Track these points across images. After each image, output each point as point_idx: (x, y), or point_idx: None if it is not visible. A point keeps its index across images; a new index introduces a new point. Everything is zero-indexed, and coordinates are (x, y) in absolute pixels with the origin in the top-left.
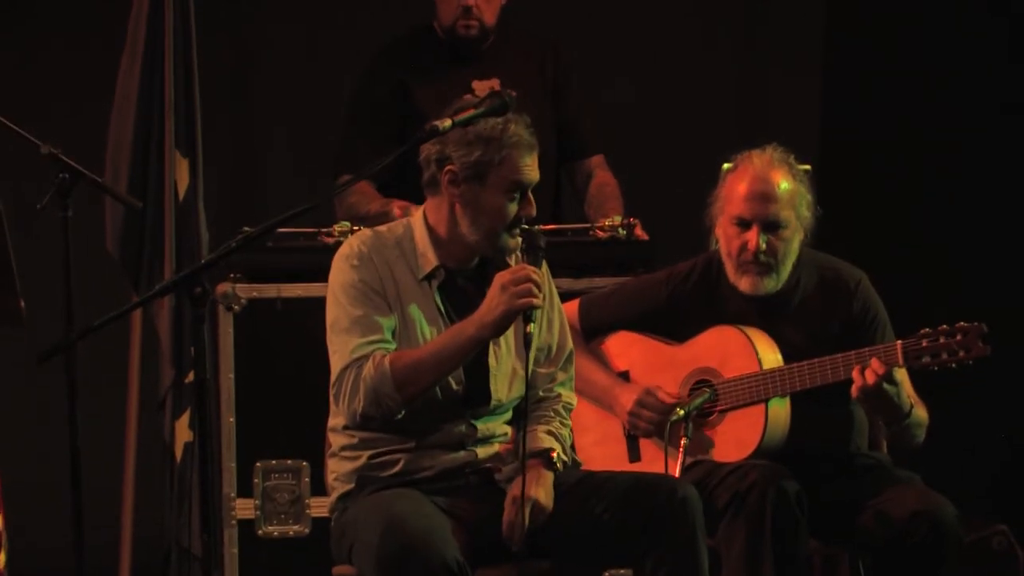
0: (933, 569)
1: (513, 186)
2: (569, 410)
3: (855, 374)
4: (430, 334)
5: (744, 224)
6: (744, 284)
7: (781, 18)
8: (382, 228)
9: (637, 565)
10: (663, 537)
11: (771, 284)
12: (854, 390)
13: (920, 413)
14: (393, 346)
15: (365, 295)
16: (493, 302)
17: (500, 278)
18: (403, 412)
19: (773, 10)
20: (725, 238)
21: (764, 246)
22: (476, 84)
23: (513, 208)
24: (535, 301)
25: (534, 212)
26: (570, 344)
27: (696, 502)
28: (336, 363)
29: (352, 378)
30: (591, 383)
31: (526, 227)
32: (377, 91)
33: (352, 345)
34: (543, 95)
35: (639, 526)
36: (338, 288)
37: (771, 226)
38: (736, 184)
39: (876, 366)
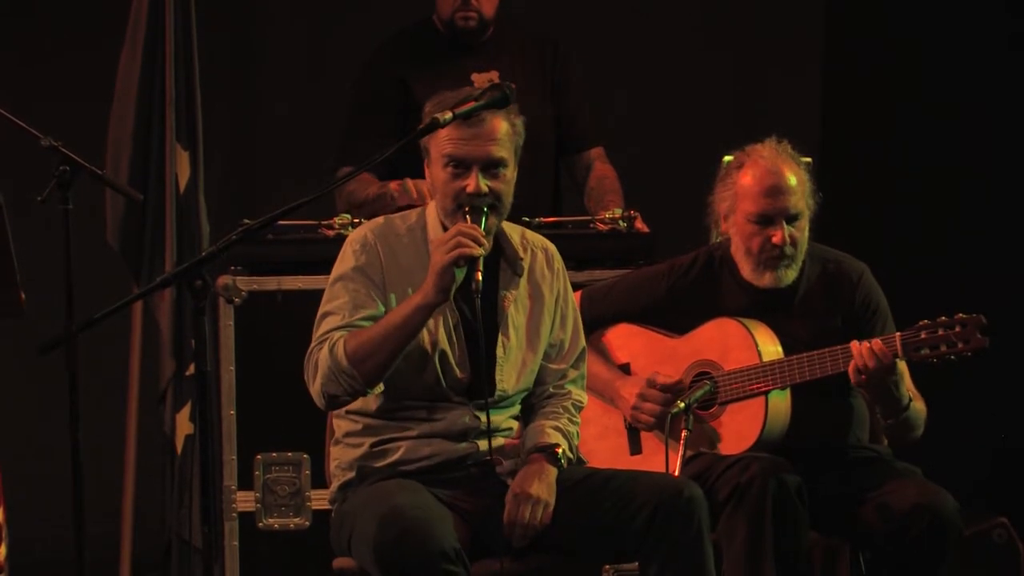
0: (933, 561)
1: (447, 160)
2: (579, 408)
3: (853, 350)
4: (433, 319)
5: (765, 220)
6: (767, 279)
7: (781, 12)
8: (396, 216)
9: (641, 565)
10: (668, 537)
11: (791, 275)
12: (850, 370)
13: (919, 407)
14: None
15: (355, 282)
16: (431, 267)
17: (433, 243)
18: (376, 387)
19: (773, 4)
20: (742, 236)
21: (789, 239)
22: (475, 76)
23: (456, 184)
24: (465, 251)
25: (472, 188)
26: (582, 342)
27: (701, 502)
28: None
29: (313, 361)
30: (592, 376)
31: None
32: (377, 84)
33: (321, 331)
34: (543, 87)
35: (643, 526)
36: (334, 273)
37: (792, 218)
38: (748, 181)
39: (877, 345)
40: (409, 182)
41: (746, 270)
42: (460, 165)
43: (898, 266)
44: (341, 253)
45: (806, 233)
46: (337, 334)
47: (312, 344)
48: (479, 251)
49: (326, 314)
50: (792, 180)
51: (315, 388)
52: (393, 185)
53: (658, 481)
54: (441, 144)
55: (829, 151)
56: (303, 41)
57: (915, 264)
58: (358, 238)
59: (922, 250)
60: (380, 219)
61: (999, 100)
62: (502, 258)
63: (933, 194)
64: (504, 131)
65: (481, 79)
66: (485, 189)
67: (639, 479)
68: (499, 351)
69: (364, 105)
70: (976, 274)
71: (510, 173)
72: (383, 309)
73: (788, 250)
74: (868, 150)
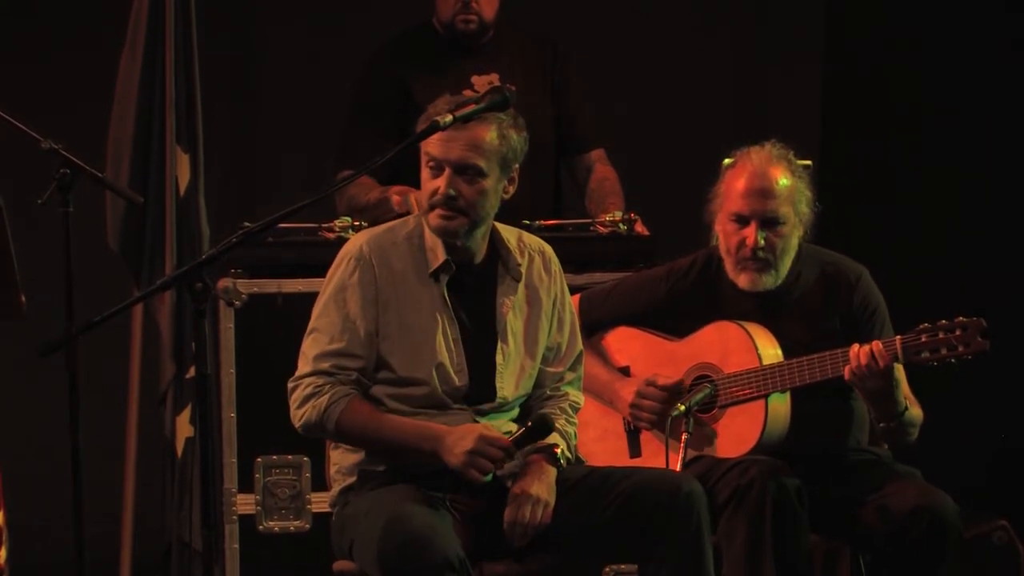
0: (933, 564)
1: (427, 158)
2: (576, 409)
3: (852, 353)
4: (429, 329)
5: (742, 220)
6: (743, 280)
7: (781, 12)
8: (395, 223)
9: (642, 561)
10: (668, 533)
11: (770, 280)
12: (846, 372)
13: (915, 412)
14: (356, 363)
15: (347, 299)
16: (460, 446)
17: (476, 432)
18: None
19: (773, 4)
20: (724, 234)
21: (762, 242)
22: (475, 79)
23: (431, 184)
24: (480, 478)
25: (443, 190)
26: (579, 345)
27: (700, 497)
28: (300, 363)
29: (304, 395)
30: (591, 378)
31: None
32: (377, 87)
33: (315, 352)
34: (543, 89)
35: (643, 522)
36: (328, 286)
37: (769, 222)
38: (734, 181)
39: (877, 348)
40: (412, 196)
41: (729, 270)
42: (437, 166)
43: (898, 266)
44: (336, 263)
45: (791, 240)
46: (340, 391)
47: (303, 370)
48: (487, 480)
49: (313, 330)
50: (778, 184)
51: (295, 419)
52: (395, 198)
53: (657, 477)
54: (429, 141)
55: (829, 151)
56: (303, 42)
57: (915, 264)
58: (353, 252)
59: (922, 250)
60: (378, 230)
61: (999, 100)
62: (500, 264)
63: (933, 194)
64: (488, 140)
65: (481, 81)
66: (452, 192)
67: (638, 476)
68: (498, 358)
69: (364, 106)
70: (976, 274)
71: (489, 183)
72: (373, 327)
73: (761, 253)
74: (868, 150)
